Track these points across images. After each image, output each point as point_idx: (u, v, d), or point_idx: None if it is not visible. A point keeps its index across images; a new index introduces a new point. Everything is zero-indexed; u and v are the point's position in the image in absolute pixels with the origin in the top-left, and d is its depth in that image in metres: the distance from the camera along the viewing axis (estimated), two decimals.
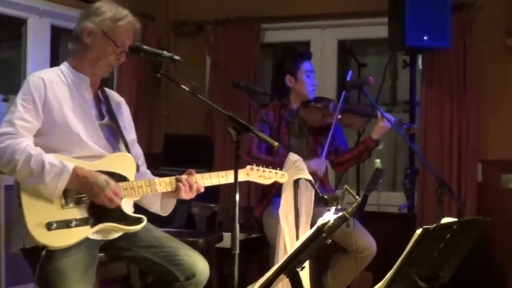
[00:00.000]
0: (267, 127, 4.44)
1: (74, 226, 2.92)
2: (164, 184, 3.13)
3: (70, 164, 2.90)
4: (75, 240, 2.92)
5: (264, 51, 6.15)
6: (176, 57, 2.97)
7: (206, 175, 3.20)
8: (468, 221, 2.89)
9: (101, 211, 2.98)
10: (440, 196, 4.20)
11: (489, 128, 5.37)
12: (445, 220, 2.79)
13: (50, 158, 2.89)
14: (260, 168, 3.33)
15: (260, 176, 3.34)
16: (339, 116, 4.53)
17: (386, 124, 4.46)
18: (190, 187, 3.15)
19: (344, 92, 4.50)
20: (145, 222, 3.11)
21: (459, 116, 5.31)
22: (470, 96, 5.28)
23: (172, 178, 3.15)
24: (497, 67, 5.33)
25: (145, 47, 3.05)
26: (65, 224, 2.90)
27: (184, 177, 3.15)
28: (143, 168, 3.32)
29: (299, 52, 4.78)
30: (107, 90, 3.31)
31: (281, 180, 3.43)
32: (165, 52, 3.01)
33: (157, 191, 3.13)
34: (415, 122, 5.11)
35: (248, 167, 3.31)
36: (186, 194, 3.15)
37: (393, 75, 6.13)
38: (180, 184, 3.13)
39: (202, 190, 3.20)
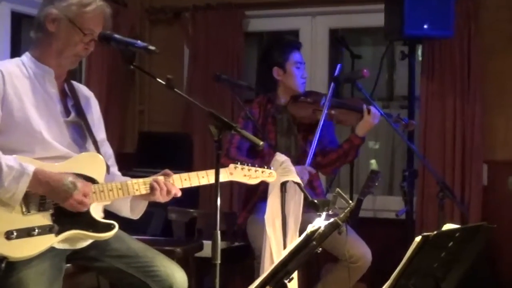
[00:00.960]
0: (251, 124, 4.43)
1: (37, 235, 2.90)
2: (137, 186, 3.12)
3: (30, 166, 2.88)
4: (38, 250, 2.90)
5: (248, 40, 6.15)
6: (151, 47, 2.96)
7: (185, 175, 3.20)
8: (472, 227, 2.90)
9: (67, 218, 2.96)
10: (442, 201, 4.22)
11: (496, 126, 5.39)
12: (447, 226, 2.80)
13: (8, 160, 2.87)
14: (245, 166, 3.32)
15: (245, 176, 3.33)
16: (331, 112, 4.53)
17: (373, 119, 4.46)
18: (168, 191, 3.14)
19: (333, 85, 4.49)
20: (116, 228, 3.10)
21: (462, 112, 5.32)
22: (475, 90, 5.31)
23: (147, 180, 3.14)
24: (505, 58, 5.36)
25: (116, 35, 3.03)
26: (27, 232, 2.88)
27: (161, 179, 3.15)
28: (114, 169, 3.31)
29: (287, 42, 4.77)
30: (74, 83, 3.29)
31: (268, 180, 3.43)
32: (138, 42, 2.99)
33: (130, 194, 3.12)
34: (413, 119, 5.12)
35: (232, 165, 3.30)
36: (162, 198, 3.15)
37: (390, 67, 6.15)
38: (155, 184, 3.12)
39: (179, 194, 3.19)
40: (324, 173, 4.70)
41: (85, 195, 2.95)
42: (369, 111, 4.46)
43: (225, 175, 3.25)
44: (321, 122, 4.43)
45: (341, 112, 4.59)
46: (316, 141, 4.38)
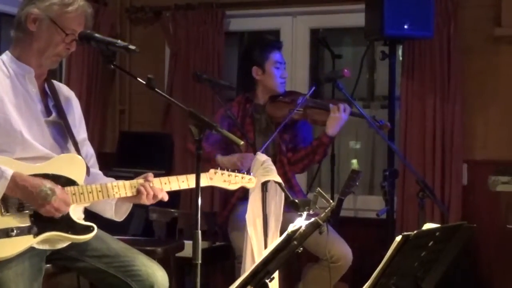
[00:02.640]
0: (227, 122, 4.43)
1: (15, 235, 2.89)
2: (117, 189, 3.11)
3: (9, 170, 2.86)
4: (17, 251, 2.89)
5: (229, 40, 6.14)
6: (131, 47, 2.95)
7: (165, 179, 3.19)
8: (452, 227, 2.92)
9: (46, 219, 2.95)
10: (422, 200, 4.23)
11: (475, 125, 5.41)
12: (427, 226, 2.81)
13: None
14: (225, 172, 3.33)
15: (225, 181, 3.33)
16: (305, 111, 4.54)
17: (340, 116, 4.46)
18: (154, 195, 3.14)
19: (313, 87, 4.49)
20: (95, 231, 3.09)
21: (442, 112, 5.34)
22: (455, 90, 5.32)
23: (133, 182, 3.13)
24: (485, 59, 5.37)
25: (96, 35, 3.02)
26: (5, 233, 2.87)
27: (148, 184, 3.13)
28: (95, 169, 3.30)
29: (267, 41, 4.78)
30: (55, 83, 3.28)
31: (248, 186, 3.43)
32: (119, 41, 2.99)
33: (110, 197, 3.11)
34: (394, 119, 5.14)
35: (212, 170, 3.30)
36: (148, 201, 3.14)
37: (370, 67, 6.16)
38: (142, 189, 3.11)
39: (166, 199, 3.19)
40: (293, 170, 4.69)
41: (64, 202, 2.93)
42: (337, 109, 4.45)
43: (205, 180, 3.26)
44: (287, 118, 4.41)
45: (315, 112, 4.59)
46: (275, 134, 4.35)
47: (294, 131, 4.67)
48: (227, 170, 3.34)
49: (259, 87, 4.69)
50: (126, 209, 3.25)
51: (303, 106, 4.53)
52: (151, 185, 3.14)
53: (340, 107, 4.47)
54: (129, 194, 3.13)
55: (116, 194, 3.11)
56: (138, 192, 3.12)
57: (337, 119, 4.47)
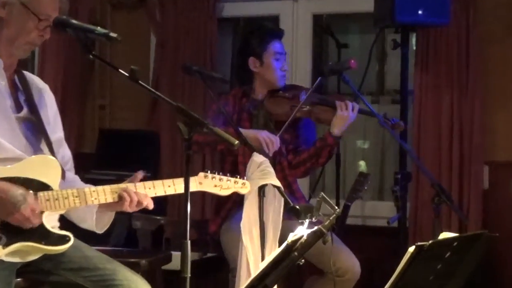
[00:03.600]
0: (222, 119, 4.42)
1: None
2: (96, 194, 3.09)
3: None
4: None
5: (222, 27, 6.14)
6: (113, 35, 2.94)
7: (149, 183, 3.18)
8: (472, 236, 2.92)
9: (16, 228, 2.94)
10: (438, 206, 4.23)
11: (497, 123, 5.42)
12: (444, 235, 2.81)
13: None
14: (216, 176, 3.32)
15: (216, 186, 3.32)
16: (308, 108, 4.53)
17: (347, 114, 4.45)
18: (138, 203, 3.12)
19: (319, 79, 4.49)
20: (71, 241, 3.08)
21: (460, 107, 5.35)
22: (474, 83, 5.33)
23: (114, 187, 3.11)
24: (507, 48, 5.38)
25: (73, 21, 3.00)
26: None
27: (131, 188, 3.12)
28: (71, 174, 3.29)
29: (267, 30, 4.77)
30: (27, 74, 3.27)
31: (241, 191, 3.42)
32: (98, 28, 2.98)
33: (88, 203, 3.09)
34: (406, 115, 5.14)
35: (202, 174, 3.29)
36: (131, 208, 3.13)
37: (380, 58, 6.17)
38: (124, 194, 3.10)
39: (152, 207, 3.18)
40: (294, 174, 4.68)
41: (33, 211, 2.92)
42: (345, 106, 4.45)
43: (194, 184, 3.24)
44: (292, 116, 4.41)
45: (319, 109, 4.58)
46: (280, 132, 4.36)
47: (296, 130, 4.66)
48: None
49: (256, 80, 4.68)
50: (108, 220, 3.23)
51: (308, 103, 4.52)
52: (135, 190, 3.13)
53: (348, 105, 4.45)
54: (110, 200, 3.11)
55: (94, 200, 3.09)
56: (120, 198, 3.10)
57: (344, 118, 4.46)
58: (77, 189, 3.08)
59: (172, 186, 3.20)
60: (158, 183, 3.19)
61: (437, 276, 2.78)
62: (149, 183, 3.18)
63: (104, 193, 3.11)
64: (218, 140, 4.28)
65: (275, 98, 4.64)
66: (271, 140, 4.34)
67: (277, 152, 4.54)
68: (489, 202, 5.35)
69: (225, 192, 3.36)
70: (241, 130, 4.17)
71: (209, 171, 3.31)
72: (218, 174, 3.33)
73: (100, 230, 3.24)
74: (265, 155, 3.93)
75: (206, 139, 4.32)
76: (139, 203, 3.12)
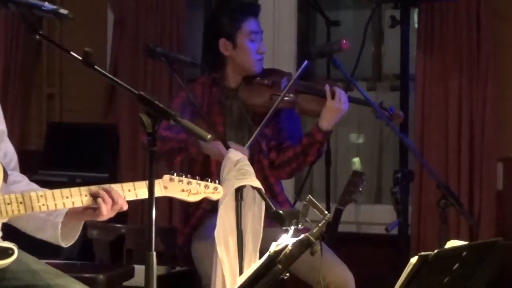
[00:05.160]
0: (189, 110, 4.42)
1: None
2: (44, 200, 3.07)
3: None
4: None
5: (191, 2, 6.14)
6: (63, 11, 2.94)
7: (105, 187, 3.17)
8: (484, 245, 2.93)
9: None
10: (444, 210, 4.25)
11: None
12: (451, 244, 2.82)
13: None
14: (184, 179, 3.30)
15: (183, 191, 3.30)
16: (292, 97, 4.53)
17: (338, 105, 4.44)
18: (114, 201, 3.12)
19: (305, 63, 4.49)
20: (15, 255, 3.07)
21: (470, 96, 5.37)
22: (486, 67, 5.35)
23: (84, 189, 3.10)
24: None
25: None
26: None
27: (103, 189, 3.11)
28: (15, 174, 3.28)
29: (239, 5, 4.77)
30: None
31: (213, 197, 3.40)
32: (46, 4, 2.97)
33: (35, 210, 3.08)
34: (407, 105, 5.16)
35: (167, 177, 3.27)
36: (106, 213, 3.12)
37: (377, 38, 6.18)
38: (99, 200, 3.08)
39: (126, 207, 3.18)
40: (278, 175, 4.69)
41: None
42: (333, 94, 4.44)
43: (158, 188, 3.22)
44: (274, 107, 4.41)
45: (305, 99, 4.58)
46: (260, 127, 4.36)
47: (278, 123, 4.65)
48: (187, 178, 3.31)
49: (229, 65, 4.67)
50: (75, 232, 3.21)
51: (291, 91, 4.52)
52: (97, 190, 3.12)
53: (339, 94, 4.44)
54: (60, 206, 3.09)
55: (42, 207, 3.07)
56: (95, 197, 3.08)
57: (335, 109, 4.45)
58: (22, 193, 3.06)
59: (133, 191, 3.19)
60: (116, 186, 3.18)
61: None
62: (105, 187, 3.17)
63: (53, 198, 3.08)
64: (180, 145, 4.32)
65: (251, 86, 4.63)
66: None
67: (255, 149, 4.54)
68: (503, 205, 5.38)
69: (194, 198, 3.35)
70: (206, 145, 4.25)
71: (175, 174, 3.30)
72: (186, 176, 3.32)
73: (66, 244, 3.22)
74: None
75: (163, 147, 4.31)
76: (115, 204, 3.12)
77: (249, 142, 4.34)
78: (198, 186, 3.34)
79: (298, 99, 4.57)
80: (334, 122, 4.50)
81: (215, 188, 3.39)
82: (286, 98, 4.51)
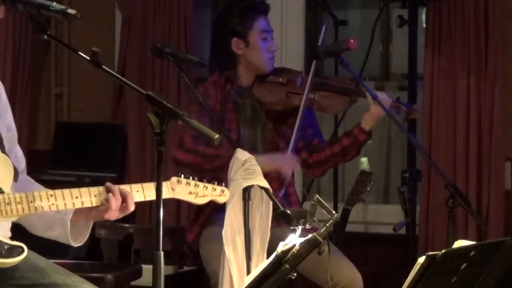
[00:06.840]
0: (207, 113, 4.41)
1: None
2: (54, 199, 3.07)
3: None
4: None
5: (199, 1, 6.14)
6: (71, 11, 2.94)
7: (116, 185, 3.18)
8: (493, 245, 2.93)
9: None
10: (452, 210, 4.25)
11: None
12: (459, 243, 2.82)
13: None
14: (191, 181, 3.30)
15: (190, 193, 3.31)
16: (310, 95, 4.54)
17: (379, 108, 4.46)
18: (123, 197, 3.12)
19: (314, 62, 4.50)
20: (25, 253, 3.07)
21: (478, 94, 5.36)
22: (495, 66, 5.33)
23: (93, 189, 3.10)
24: None
25: None
26: None
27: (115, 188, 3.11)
28: (23, 175, 3.28)
29: (251, 4, 4.77)
30: None
31: (220, 200, 3.41)
32: (54, 4, 2.97)
33: (44, 209, 3.08)
34: (416, 104, 5.15)
35: (174, 179, 3.27)
36: (115, 210, 3.12)
37: (385, 37, 6.18)
38: (110, 194, 3.09)
39: (133, 208, 3.18)
40: (312, 174, 4.71)
41: None
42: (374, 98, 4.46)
43: (166, 190, 3.23)
44: (302, 107, 4.43)
45: (323, 96, 4.60)
46: (297, 128, 4.38)
47: (303, 121, 4.64)
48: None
49: (241, 64, 4.67)
50: (85, 232, 3.21)
51: (313, 89, 4.53)
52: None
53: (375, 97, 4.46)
54: (70, 206, 3.10)
55: (52, 206, 3.08)
56: (106, 194, 3.09)
57: (378, 111, 4.46)
58: (32, 192, 3.06)
59: (141, 192, 3.19)
60: (125, 187, 3.18)
61: None
62: None
63: (63, 197, 3.09)
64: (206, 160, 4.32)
65: (265, 84, 4.64)
66: (287, 163, 4.38)
67: (270, 150, 4.55)
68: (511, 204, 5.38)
69: (200, 201, 3.35)
70: (260, 159, 4.10)
71: (183, 176, 3.30)
72: (194, 179, 3.32)
73: (77, 243, 3.22)
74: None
75: (216, 163, 4.33)
76: (125, 201, 3.12)
77: (290, 147, 4.40)
78: (205, 188, 3.34)
79: (316, 96, 4.58)
80: (375, 123, 4.52)
81: (222, 191, 3.39)
82: (306, 95, 4.53)
